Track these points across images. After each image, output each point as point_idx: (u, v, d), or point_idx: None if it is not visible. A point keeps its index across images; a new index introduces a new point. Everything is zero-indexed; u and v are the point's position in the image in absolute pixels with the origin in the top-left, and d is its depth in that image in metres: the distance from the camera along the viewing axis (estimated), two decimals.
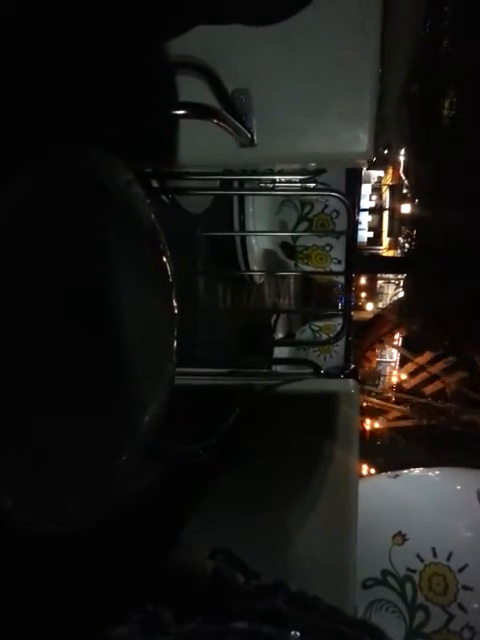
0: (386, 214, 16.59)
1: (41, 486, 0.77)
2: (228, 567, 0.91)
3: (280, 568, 0.96)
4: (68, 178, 0.80)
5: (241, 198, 2.78)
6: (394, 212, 15.27)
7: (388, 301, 13.69)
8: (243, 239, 2.91)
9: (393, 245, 15.15)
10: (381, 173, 16.05)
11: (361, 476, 1.72)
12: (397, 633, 1.40)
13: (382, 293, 15.45)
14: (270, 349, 2.56)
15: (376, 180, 16.79)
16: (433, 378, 8.88)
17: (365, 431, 8.97)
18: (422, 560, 1.47)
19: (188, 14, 1.10)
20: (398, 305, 10.37)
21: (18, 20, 1.00)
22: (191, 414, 1.11)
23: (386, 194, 16.70)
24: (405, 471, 1.90)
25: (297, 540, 1.24)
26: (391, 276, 13.49)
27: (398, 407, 9.60)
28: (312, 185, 1.40)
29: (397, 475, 1.83)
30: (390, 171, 15.27)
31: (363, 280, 13.25)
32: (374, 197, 17.27)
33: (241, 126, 1.10)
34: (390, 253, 15.09)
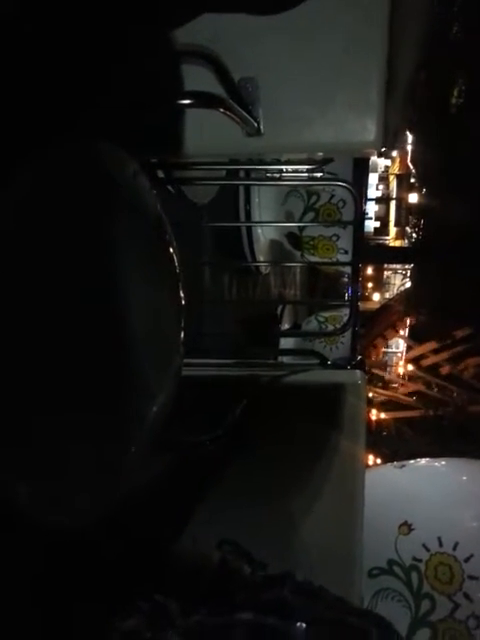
0: (393, 204, 16.49)
1: (51, 479, 0.77)
2: (234, 558, 0.91)
3: (287, 558, 0.96)
4: (74, 170, 0.80)
5: (247, 188, 2.76)
6: (401, 202, 15.18)
7: (395, 291, 13.64)
8: (249, 229, 2.90)
9: (400, 235, 15.07)
10: (388, 162, 15.93)
11: (367, 466, 1.72)
12: (403, 622, 1.41)
13: (389, 283, 15.39)
14: (276, 340, 2.56)
15: (383, 169, 16.66)
16: (453, 358, 8.78)
17: (371, 422, 8.98)
18: (428, 550, 1.47)
19: (195, 3, 1.09)
20: (405, 295, 10.34)
21: (20, 14, 0.99)
22: (198, 405, 1.11)
23: (393, 183, 16.58)
24: (411, 461, 1.90)
25: (304, 530, 1.24)
26: (398, 266, 13.44)
27: (405, 398, 9.59)
28: (319, 175, 1.38)
29: (403, 465, 1.83)
30: (397, 160, 15.15)
31: (370, 270, 13.19)
32: (381, 187, 17.15)
33: (247, 115, 1.09)
34: (397, 243, 15.02)
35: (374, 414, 9.24)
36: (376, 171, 15.73)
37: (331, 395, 1.23)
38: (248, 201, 2.82)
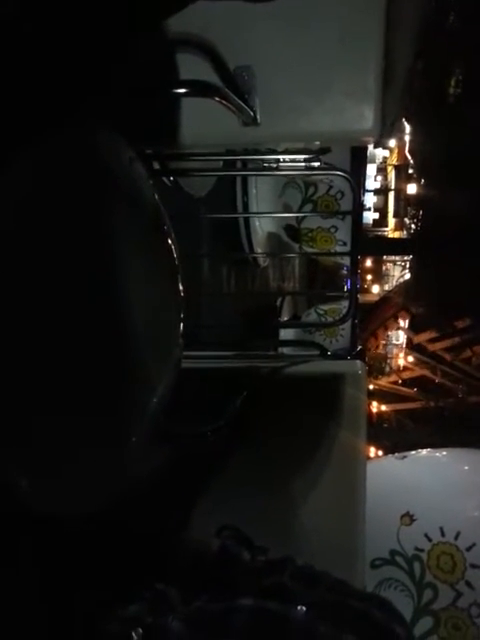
0: (392, 195, 16.47)
1: (51, 470, 0.77)
2: (234, 544, 0.91)
3: (289, 550, 0.96)
4: (69, 158, 0.79)
5: (244, 180, 2.75)
6: (400, 193, 15.16)
7: (394, 283, 13.65)
8: (247, 221, 2.89)
9: (399, 226, 15.06)
10: (386, 153, 15.89)
11: (369, 458, 1.72)
12: (405, 611, 1.41)
13: (388, 275, 15.40)
14: (276, 332, 2.56)
15: (381, 160, 16.64)
16: (460, 346, 8.80)
17: (372, 414, 9.00)
18: (430, 540, 1.47)
19: None
20: (404, 287, 10.34)
21: (18, 5, 0.98)
22: (198, 397, 1.11)
23: (392, 174, 16.56)
24: (412, 452, 1.90)
25: (306, 522, 1.24)
26: (397, 258, 13.44)
27: (406, 389, 9.62)
28: (316, 165, 1.38)
29: (405, 456, 1.83)
30: (395, 151, 15.12)
31: (369, 262, 13.20)
32: (379, 178, 17.13)
33: (243, 104, 1.08)
34: (396, 234, 15.01)
35: (375, 406, 9.26)
36: (374, 162, 15.71)
37: (331, 385, 1.23)
38: (245, 193, 2.81)
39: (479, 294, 7.12)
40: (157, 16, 1.08)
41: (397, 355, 11.95)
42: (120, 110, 1.07)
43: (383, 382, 10.22)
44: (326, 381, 1.24)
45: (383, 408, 9.61)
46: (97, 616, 0.74)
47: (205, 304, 2.25)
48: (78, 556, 0.97)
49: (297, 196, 2.80)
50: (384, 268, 15.38)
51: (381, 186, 17.24)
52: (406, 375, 10.06)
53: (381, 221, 16.57)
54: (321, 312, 3.16)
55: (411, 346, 10.15)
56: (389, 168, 16.58)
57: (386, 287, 14.25)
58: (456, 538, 1.45)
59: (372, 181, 15.92)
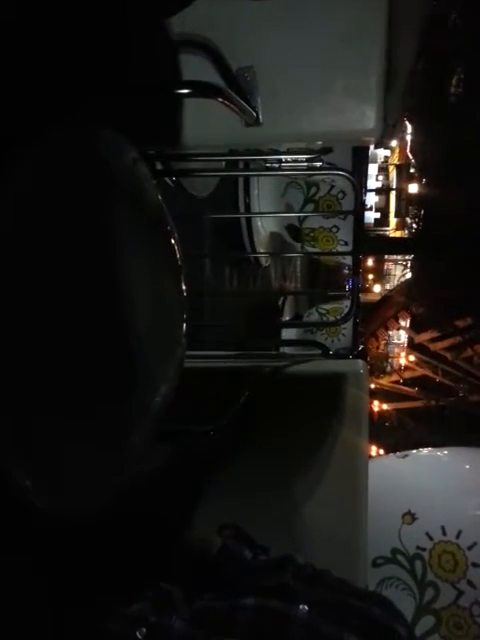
0: (393, 194, 16.45)
1: (56, 469, 0.77)
2: (235, 543, 0.92)
3: (291, 549, 0.96)
4: (72, 159, 0.79)
5: (246, 180, 2.76)
6: (401, 192, 15.14)
7: (396, 282, 13.64)
8: (249, 221, 2.90)
9: (400, 226, 15.03)
10: (388, 153, 15.88)
11: (370, 457, 1.72)
12: (407, 609, 1.41)
13: (390, 275, 15.38)
14: (278, 331, 2.56)
15: (383, 160, 16.62)
16: (463, 345, 8.78)
17: (373, 413, 8.99)
18: (431, 538, 1.47)
19: None
20: (406, 286, 10.32)
21: (19, 4, 0.99)
22: (201, 396, 1.11)
23: (393, 174, 16.54)
24: (414, 451, 1.90)
25: (308, 521, 1.25)
26: (399, 257, 13.42)
27: (407, 389, 9.60)
28: (318, 165, 1.38)
29: (406, 455, 1.83)
30: (397, 150, 15.10)
31: (370, 262, 13.19)
32: (381, 177, 17.12)
33: (246, 105, 1.08)
34: (397, 234, 14.99)
35: (376, 405, 9.25)
36: (376, 162, 15.70)
37: (333, 385, 1.23)
38: (247, 193, 2.82)
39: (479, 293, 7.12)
40: (160, 16, 1.09)
41: (398, 354, 11.94)
42: (123, 111, 1.08)
43: (384, 381, 10.21)
44: (328, 380, 1.24)
45: (385, 407, 9.60)
46: (101, 616, 0.74)
47: (207, 304, 2.26)
48: (81, 556, 0.97)
49: (299, 196, 2.81)
50: (386, 267, 15.37)
51: (382, 186, 17.23)
52: (407, 374, 10.05)
53: (383, 221, 16.56)
54: (323, 311, 3.16)
55: (412, 345, 10.14)
56: (391, 168, 16.56)
57: (388, 286, 14.24)
58: (457, 537, 1.45)
59: (374, 181, 15.92)
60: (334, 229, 2.87)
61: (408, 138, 10.82)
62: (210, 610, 0.73)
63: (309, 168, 1.38)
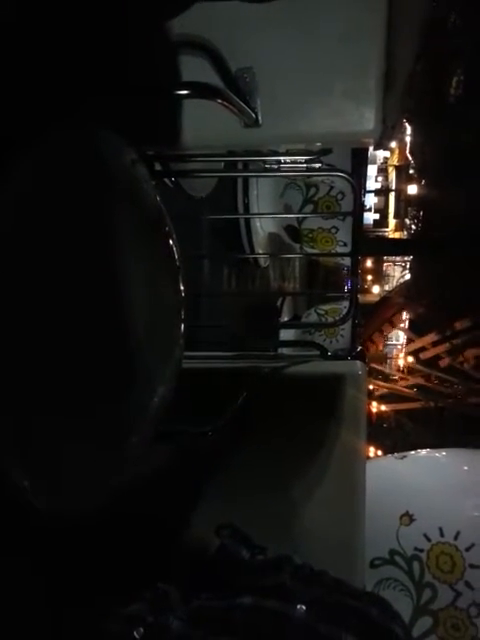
0: (392, 195, 16.47)
1: (55, 470, 0.77)
2: (233, 543, 0.92)
3: (288, 549, 0.97)
4: (71, 160, 0.79)
5: (245, 181, 2.76)
6: (400, 193, 15.16)
7: (394, 283, 13.65)
8: (247, 222, 2.90)
9: (399, 227, 15.05)
10: (387, 154, 15.89)
11: (368, 458, 1.72)
12: (405, 610, 1.41)
13: (388, 276, 15.39)
14: (276, 332, 2.56)
15: (382, 161, 16.64)
16: (453, 350, 8.79)
17: (372, 414, 8.99)
18: (429, 540, 1.48)
19: None
20: (405, 287, 10.33)
21: (19, 4, 0.99)
22: (199, 397, 1.11)
23: (392, 175, 16.56)
24: (412, 452, 1.90)
25: (305, 521, 1.25)
26: (397, 258, 13.43)
27: (406, 390, 9.60)
28: (317, 166, 1.38)
29: (404, 456, 1.83)
30: (396, 151, 15.11)
31: (369, 263, 13.20)
32: (380, 178, 17.14)
33: (245, 106, 1.08)
34: (396, 235, 15.00)
35: (374, 406, 9.25)
36: (375, 163, 15.72)
37: (331, 386, 1.23)
38: (246, 194, 2.82)
39: (479, 295, 7.13)
40: (160, 17, 1.09)
41: (397, 356, 11.94)
42: (122, 111, 1.08)
43: (383, 382, 10.22)
44: (326, 381, 1.25)
45: (383, 408, 9.61)
46: (99, 616, 0.74)
47: (206, 304, 2.26)
48: (79, 556, 0.97)
49: (298, 197, 2.80)
50: (384, 268, 15.38)
51: (382, 187, 17.25)
52: (402, 384, 10.02)
53: (381, 222, 16.58)
54: (321, 312, 3.16)
55: (408, 353, 10.13)
56: (390, 169, 16.58)
57: (386, 287, 14.25)
58: (455, 538, 1.46)
59: (373, 182, 15.94)
60: (333, 230, 2.87)
61: (407, 139, 10.84)
62: (207, 610, 0.73)
63: (308, 169, 1.38)
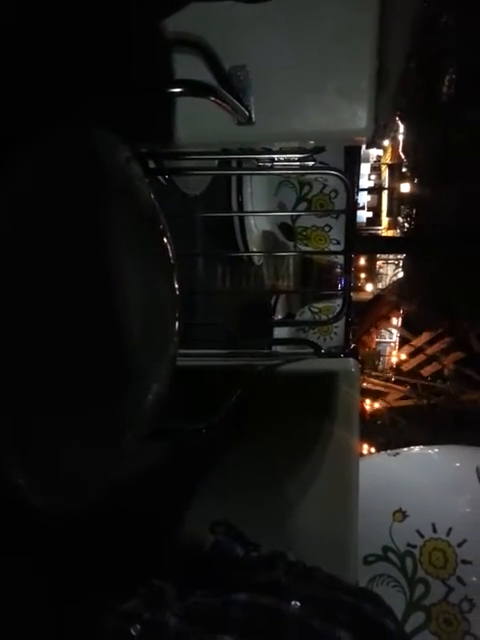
0: (385, 194, 16.50)
1: (51, 467, 0.77)
2: (227, 540, 0.92)
3: (282, 546, 0.97)
4: (67, 158, 0.79)
5: (239, 179, 2.76)
6: (393, 191, 15.19)
7: (387, 282, 13.68)
8: (242, 220, 2.90)
9: (392, 225, 15.08)
10: (380, 152, 15.92)
11: (362, 455, 1.73)
12: (397, 606, 1.42)
13: (381, 274, 15.43)
14: (270, 330, 2.56)
15: (375, 159, 16.67)
16: (431, 359, 8.90)
17: (365, 412, 9.01)
18: (422, 536, 1.49)
19: None
20: (398, 285, 10.36)
21: (16, 5, 0.98)
22: (193, 394, 1.11)
23: (385, 173, 16.59)
24: (405, 449, 1.91)
25: (299, 518, 1.25)
26: (390, 256, 13.46)
27: (398, 387, 9.63)
28: (311, 164, 1.38)
29: (397, 453, 1.84)
30: (389, 150, 15.14)
31: (362, 261, 13.22)
32: (373, 177, 17.17)
33: (238, 104, 1.09)
34: (389, 233, 15.03)
35: (368, 404, 9.27)
36: (368, 161, 15.74)
37: (325, 383, 1.24)
38: (240, 192, 2.81)
39: (471, 292, 7.16)
40: (153, 15, 1.09)
41: (390, 353, 11.98)
42: (116, 109, 1.08)
43: (376, 380, 10.24)
44: (320, 379, 1.25)
45: (376, 405, 9.63)
46: (95, 612, 0.75)
47: (200, 302, 2.26)
48: (76, 554, 0.98)
49: (292, 195, 2.81)
50: (377, 266, 15.41)
51: (375, 185, 17.28)
52: (394, 397, 10.03)
53: (375, 220, 16.60)
54: (315, 310, 3.17)
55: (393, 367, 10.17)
56: (383, 167, 16.61)
57: (380, 285, 14.27)
58: (448, 534, 1.47)
59: (366, 180, 15.96)
60: (326, 228, 2.88)
61: (400, 138, 10.86)
62: (203, 606, 0.74)
63: (301, 167, 1.39)
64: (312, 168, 1.38)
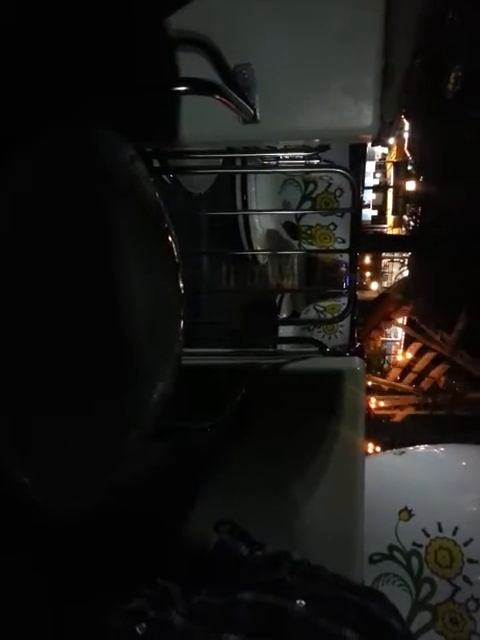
0: (390, 192, 16.46)
1: (55, 466, 0.77)
2: (232, 539, 0.92)
3: (288, 545, 0.97)
4: (70, 158, 0.79)
5: (243, 178, 2.75)
6: (399, 190, 15.15)
7: (393, 280, 13.66)
8: (246, 218, 2.89)
9: (398, 223, 15.04)
10: (385, 150, 15.88)
11: (367, 454, 1.72)
12: (403, 605, 1.42)
13: (387, 272, 15.40)
14: (275, 328, 2.56)
15: (380, 157, 16.63)
16: (438, 359, 8.86)
17: (370, 410, 9.00)
18: (428, 535, 1.48)
19: None
20: (403, 284, 10.34)
21: (16, 4, 0.98)
22: (198, 393, 1.11)
23: (390, 171, 16.55)
24: (410, 448, 1.91)
25: (305, 517, 1.25)
26: (396, 255, 13.44)
27: (404, 385, 9.61)
28: (316, 162, 1.38)
29: (403, 452, 1.84)
30: (394, 148, 15.10)
31: (368, 259, 13.21)
32: (378, 175, 17.14)
33: (243, 102, 1.08)
34: (395, 231, 15.00)
35: (373, 402, 9.26)
36: (373, 159, 15.70)
37: (330, 382, 1.24)
38: (245, 191, 2.81)
39: (477, 291, 7.14)
40: (158, 14, 1.09)
41: (396, 352, 11.96)
42: (120, 108, 1.08)
43: (381, 378, 10.22)
44: (325, 378, 1.25)
45: (382, 404, 9.62)
46: (100, 612, 0.75)
47: (205, 301, 2.26)
48: (79, 553, 0.98)
49: (296, 194, 2.80)
50: (383, 265, 15.38)
51: (380, 183, 17.24)
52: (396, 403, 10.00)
53: (380, 218, 16.57)
54: (320, 309, 3.17)
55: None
56: (388, 165, 16.57)
57: (385, 284, 14.25)
58: (454, 533, 1.46)
59: (371, 178, 15.93)
60: (331, 226, 2.87)
61: (405, 135, 10.83)
62: (209, 606, 0.74)
63: (306, 165, 1.38)
64: (317, 166, 1.38)
